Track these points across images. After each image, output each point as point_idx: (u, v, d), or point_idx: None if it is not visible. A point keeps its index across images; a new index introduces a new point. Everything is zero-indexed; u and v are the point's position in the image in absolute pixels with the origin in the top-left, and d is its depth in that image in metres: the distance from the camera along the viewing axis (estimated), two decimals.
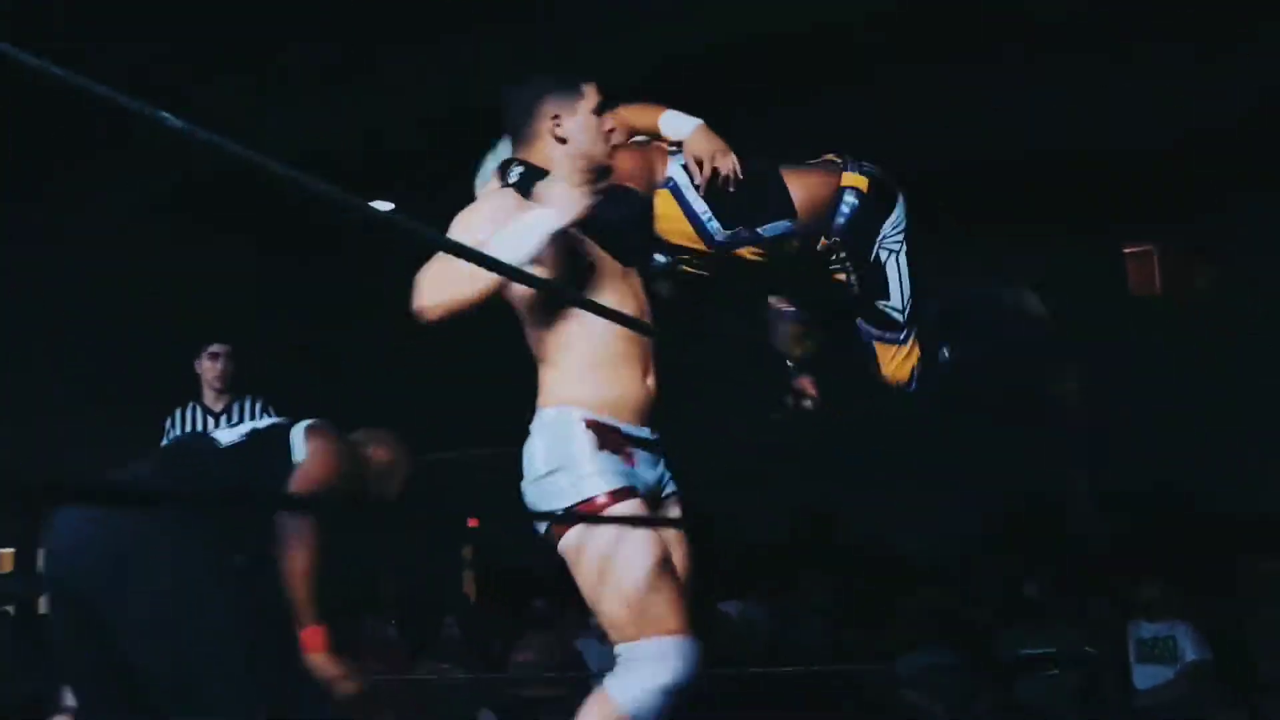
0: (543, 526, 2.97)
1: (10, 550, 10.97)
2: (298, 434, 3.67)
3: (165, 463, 3.64)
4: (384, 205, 10.94)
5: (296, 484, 3.48)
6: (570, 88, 3.10)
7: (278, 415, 5.17)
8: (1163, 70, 7.87)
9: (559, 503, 2.93)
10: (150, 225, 10.63)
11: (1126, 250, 12.57)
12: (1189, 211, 10.42)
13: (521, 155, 3.09)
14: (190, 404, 5.39)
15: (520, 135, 3.11)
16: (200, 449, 3.68)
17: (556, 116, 3.07)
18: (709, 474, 12.78)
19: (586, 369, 3.02)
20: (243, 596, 3.26)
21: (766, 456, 12.14)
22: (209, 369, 5.37)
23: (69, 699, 5.80)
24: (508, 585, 12.81)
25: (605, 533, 2.90)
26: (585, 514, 2.89)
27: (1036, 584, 7.39)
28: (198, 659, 3.08)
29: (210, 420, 5.27)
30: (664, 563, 2.94)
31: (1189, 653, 6.75)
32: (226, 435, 3.70)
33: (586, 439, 2.96)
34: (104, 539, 3.13)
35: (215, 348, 5.39)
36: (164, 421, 5.40)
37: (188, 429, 5.26)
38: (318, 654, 3.34)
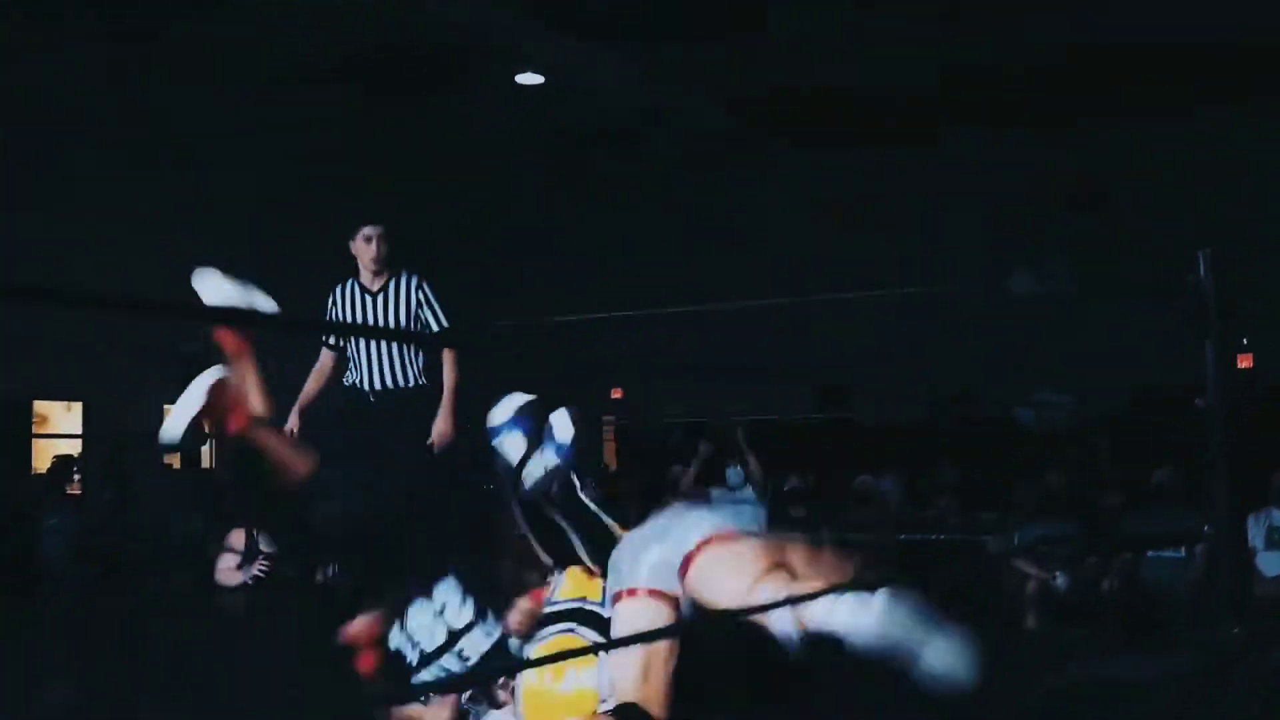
0: None
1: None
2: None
3: None
4: None
5: None
6: None
7: (432, 292, 5.38)
8: None
9: None
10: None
11: None
12: None
13: None
14: (350, 281, 5.46)
15: None
16: None
17: None
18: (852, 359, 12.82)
19: None
20: None
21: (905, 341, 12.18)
22: (364, 251, 5.37)
23: (237, 541, 6.21)
24: (645, 452, 13.12)
25: None
26: None
27: (1167, 470, 7.38)
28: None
29: (369, 299, 5.37)
30: None
31: None
32: None
33: None
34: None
35: (369, 230, 5.38)
36: (326, 299, 5.52)
37: (347, 306, 5.40)
38: None
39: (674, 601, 3.10)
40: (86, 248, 11.18)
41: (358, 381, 5.33)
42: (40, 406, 12.58)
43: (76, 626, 4.66)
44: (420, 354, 5.35)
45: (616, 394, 16.67)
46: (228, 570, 6.54)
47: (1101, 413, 10.16)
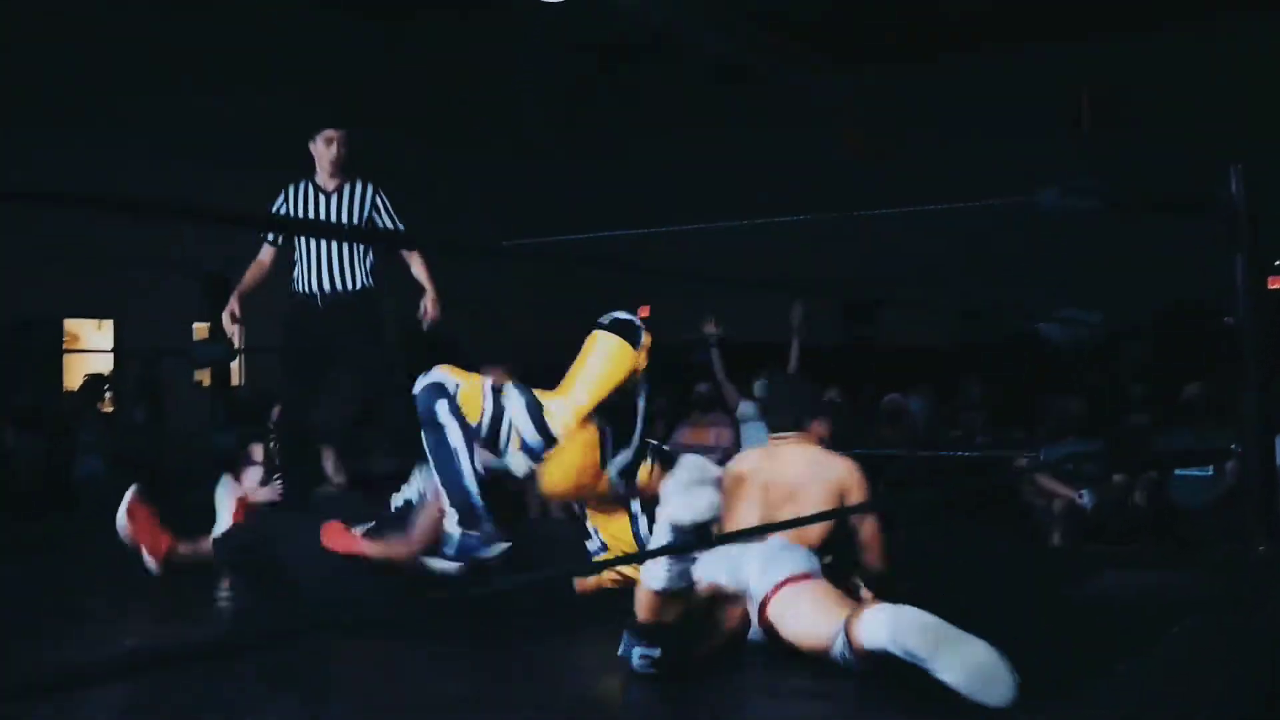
0: None
1: (206, 324, 11.66)
2: None
3: None
4: None
5: None
6: None
7: (387, 199, 5.39)
8: None
9: None
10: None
11: None
12: None
13: None
14: (304, 181, 5.43)
15: None
16: None
17: None
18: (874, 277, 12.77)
19: None
20: None
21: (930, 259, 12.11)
22: (324, 153, 5.36)
23: (257, 454, 6.30)
24: (674, 370, 13.13)
25: None
26: None
27: (1196, 387, 7.34)
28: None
29: (321, 199, 5.36)
30: None
31: None
32: None
33: None
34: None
35: (330, 132, 5.35)
36: (277, 196, 5.51)
37: (299, 205, 5.39)
38: None
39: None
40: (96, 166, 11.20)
41: (305, 285, 5.33)
42: (71, 325, 12.70)
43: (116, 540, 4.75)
44: (368, 257, 5.36)
45: (644, 312, 16.71)
46: (253, 487, 6.60)
47: (1130, 329, 10.11)
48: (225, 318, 5.47)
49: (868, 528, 3.66)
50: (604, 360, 3.79)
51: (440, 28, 12.46)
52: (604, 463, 3.95)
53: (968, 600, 3.96)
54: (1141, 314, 11.17)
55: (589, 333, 4.03)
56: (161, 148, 11.64)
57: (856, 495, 3.63)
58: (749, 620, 3.35)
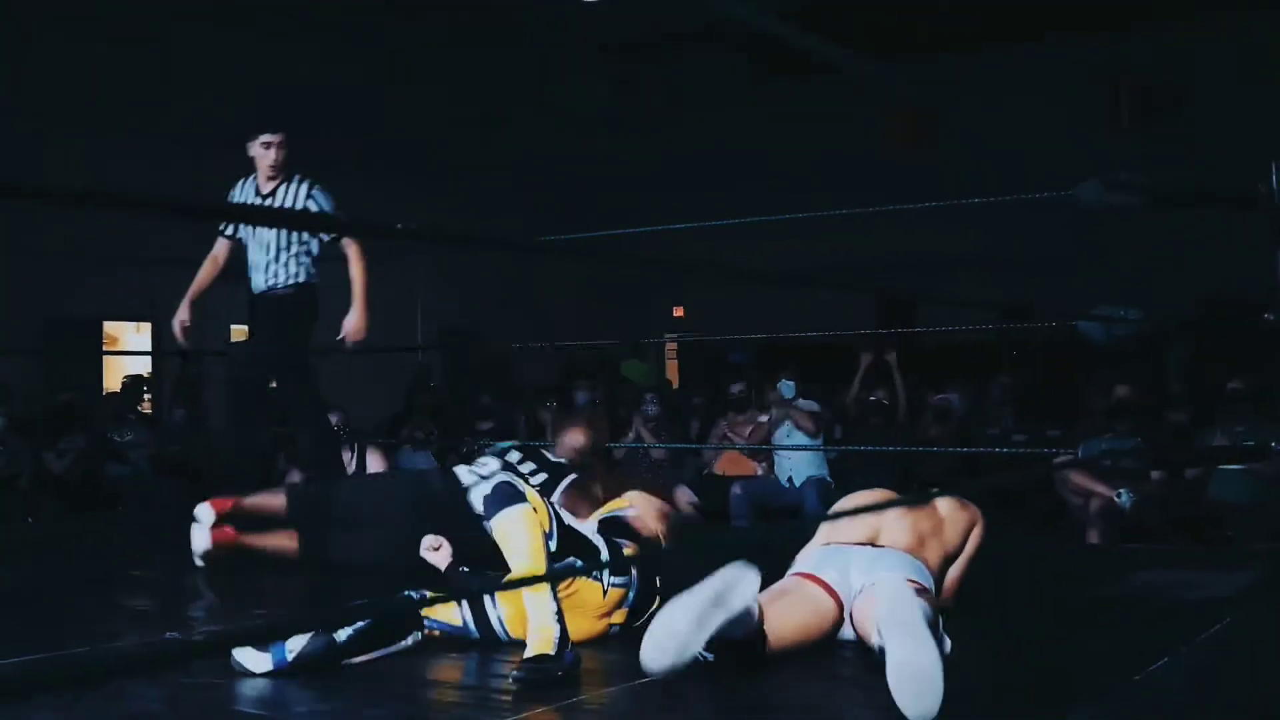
0: None
1: (244, 327, 11.75)
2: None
3: None
4: None
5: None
6: None
7: (324, 196, 5.36)
8: None
9: None
10: None
11: None
12: None
13: None
14: (249, 179, 5.44)
15: None
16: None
17: None
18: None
19: None
20: None
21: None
22: (262, 156, 5.35)
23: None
24: (707, 371, 13.14)
25: None
26: None
27: (1242, 381, 7.27)
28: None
29: (258, 201, 5.34)
30: None
31: None
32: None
33: None
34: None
35: (268, 137, 5.33)
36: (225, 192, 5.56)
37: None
38: None
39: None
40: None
41: (251, 285, 5.38)
42: (110, 327, 12.79)
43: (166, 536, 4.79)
44: (304, 255, 5.34)
45: (678, 312, 16.68)
46: None
47: (1171, 325, 10.02)
48: (175, 325, 5.47)
49: (955, 576, 3.61)
50: (520, 539, 3.25)
51: (484, 23, 12.48)
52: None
53: (1002, 599, 3.93)
54: (1182, 309, 11.08)
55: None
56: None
57: (978, 536, 3.64)
58: (843, 619, 3.31)
